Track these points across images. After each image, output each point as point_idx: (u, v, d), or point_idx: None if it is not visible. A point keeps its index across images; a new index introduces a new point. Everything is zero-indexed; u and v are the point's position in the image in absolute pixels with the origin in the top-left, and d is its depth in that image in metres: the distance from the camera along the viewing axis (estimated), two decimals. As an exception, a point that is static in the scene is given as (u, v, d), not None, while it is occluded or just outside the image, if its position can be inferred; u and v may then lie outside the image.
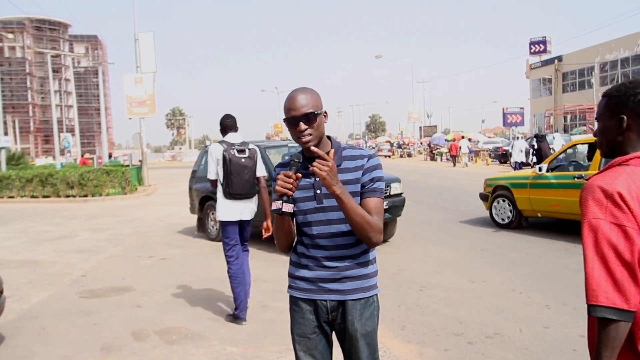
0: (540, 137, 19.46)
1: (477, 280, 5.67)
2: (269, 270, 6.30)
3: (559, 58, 42.70)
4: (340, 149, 2.00)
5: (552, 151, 17.96)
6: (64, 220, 11.77)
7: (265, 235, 4.62)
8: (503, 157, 27.67)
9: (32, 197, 16.61)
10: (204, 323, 4.59)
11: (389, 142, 54.44)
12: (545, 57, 44.71)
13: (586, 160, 8.19)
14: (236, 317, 4.54)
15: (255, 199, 4.71)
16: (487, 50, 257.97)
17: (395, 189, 7.77)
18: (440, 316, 4.56)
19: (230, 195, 4.48)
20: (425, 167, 29.10)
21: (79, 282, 6.19)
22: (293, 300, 2.06)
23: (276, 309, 4.82)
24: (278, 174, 1.83)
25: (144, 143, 21.29)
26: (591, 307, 1.34)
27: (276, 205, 1.78)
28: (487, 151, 31.99)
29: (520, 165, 20.44)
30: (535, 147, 19.01)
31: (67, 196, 16.22)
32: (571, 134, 26.41)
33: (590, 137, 9.08)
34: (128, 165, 21.16)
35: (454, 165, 27.99)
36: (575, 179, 7.37)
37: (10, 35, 36.87)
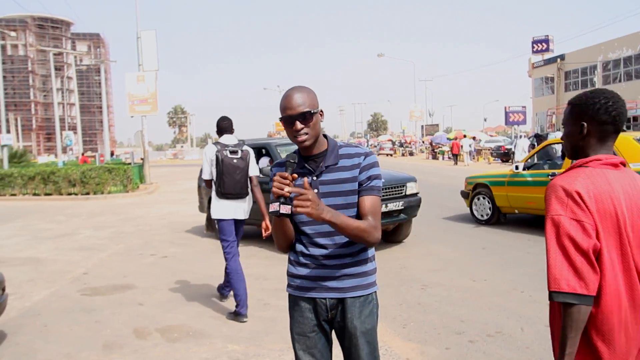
0: (540, 137, 19.43)
1: (479, 279, 5.67)
2: (270, 269, 6.30)
3: (562, 57, 42.55)
4: (337, 148, 1.99)
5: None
6: (66, 218, 11.80)
7: (265, 234, 4.67)
8: (505, 155, 27.63)
9: (34, 194, 16.66)
10: (206, 321, 4.59)
11: (390, 140, 54.48)
12: (547, 55, 44.53)
13: (560, 159, 8.40)
14: (237, 313, 4.55)
15: (248, 198, 4.80)
16: (490, 48, 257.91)
17: (411, 188, 7.45)
18: (442, 315, 4.56)
19: (222, 194, 4.59)
20: (427, 165, 29.06)
21: (81, 279, 6.21)
22: (292, 299, 2.06)
23: (278, 307, 4.83)
24: (274, 175, 1.83)
25: (146, 141, 21.32)
26: (554, 294, 1.47)
27: (273, 207, 1.77)
28: (489, 150, 31.96)
29: (523, 165, 20.38)
30: (536, 146, 19.00)
31: (69, 194, 16.25)
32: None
33: None
34: (130, 163, 21.19)
35: (456, 163, 27.96)
36: (549, 177, 7.58)
37: (13, 33, 36.87)
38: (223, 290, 5.16)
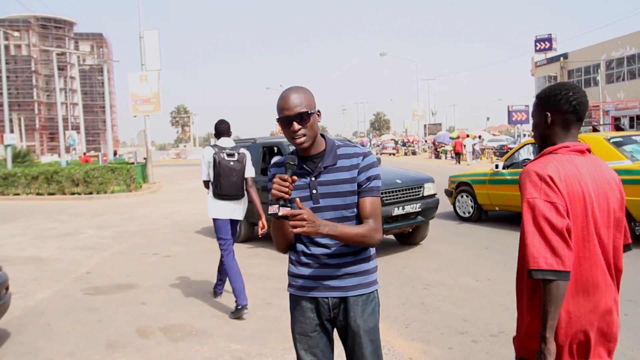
0: None
1: (482, 279, 5.66)
2: (272, 268, 6.30)
3: (565, 55, 42.45)
4: (335, 148, 1.98)
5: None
6: (69, 218, 11.83)
7: (260, 233, 4.76)
8: (508, 154, 27.54)
9: (38, 194, 16.72)
10: (208, 320, 4.60)
11: (393, 140, 54.47)
12: (550, 54, 44.42)
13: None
14: (238, 306, 4.57)
15: (244, 199, 4.91)
16: (492, 47, 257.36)
17: (428, 189, 7.14)
18: (445, 314, 4.55)
19: (219, 195, 4.72)
20: (430, 164, 29.01)
21: (84, 279, 6.22)
22: (293, 299, 2.06)
23: (280, 307, 4.83)
24: (273, 175, 1.81)
25: (149, 141, 21.35)
26: (533, 272, 1.56)
27: (273, 209, 1.76)
28: (491, 149, 31.89)
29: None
30: None
31: (72, 193, 16.30)
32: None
33: None
34: (133, 163, 21.21)
35: (458, 162, 27.92)
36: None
37: (16, 34, 36.97)
38: (216, 289, 5.27)
